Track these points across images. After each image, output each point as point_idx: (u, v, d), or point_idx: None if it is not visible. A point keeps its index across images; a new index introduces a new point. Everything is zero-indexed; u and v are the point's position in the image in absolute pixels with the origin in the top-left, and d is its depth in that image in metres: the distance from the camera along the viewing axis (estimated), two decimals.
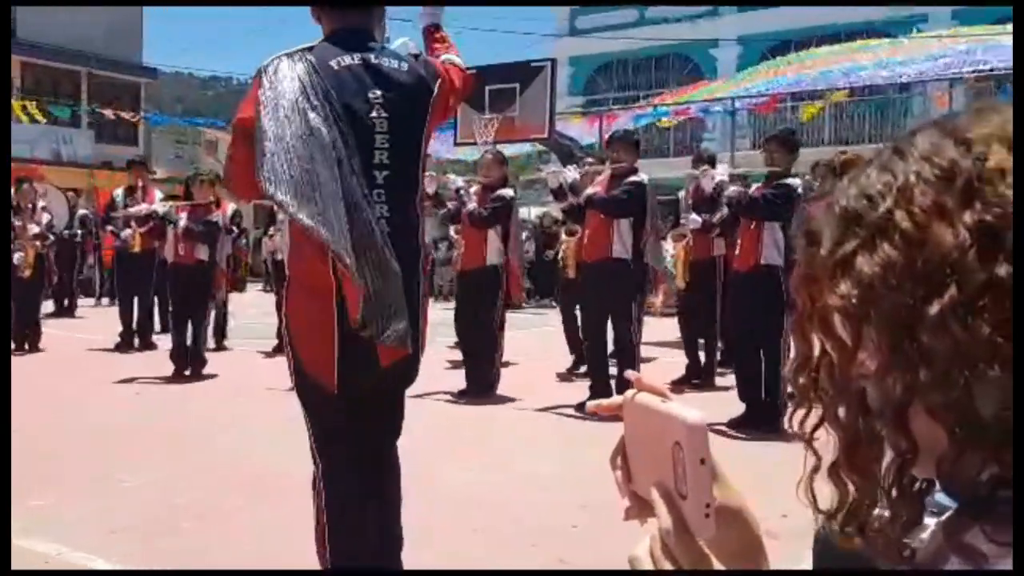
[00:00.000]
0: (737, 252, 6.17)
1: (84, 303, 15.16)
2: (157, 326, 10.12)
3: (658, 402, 0.72)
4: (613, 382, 6.19)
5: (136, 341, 9.67)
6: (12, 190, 9.45)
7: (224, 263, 8.85)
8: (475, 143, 9.24)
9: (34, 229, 9.53)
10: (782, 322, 5.63)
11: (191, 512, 3.98)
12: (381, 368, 2.48)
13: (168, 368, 7.91)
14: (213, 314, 9.05)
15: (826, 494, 0.73)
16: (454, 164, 15.23)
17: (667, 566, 0.69)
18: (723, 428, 5.51)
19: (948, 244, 0.61)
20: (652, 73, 22.92)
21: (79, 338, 10.54)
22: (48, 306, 12.05)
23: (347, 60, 2.58)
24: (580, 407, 5.88)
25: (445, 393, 6.79)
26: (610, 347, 6.56)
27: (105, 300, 15.68)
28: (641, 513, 0.75)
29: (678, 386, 7.14)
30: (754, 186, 6.29)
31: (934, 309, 0.61)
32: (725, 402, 6.03)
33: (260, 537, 3.63)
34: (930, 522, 0.70)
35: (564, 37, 23.65)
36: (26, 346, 9.39)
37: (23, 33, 22.37)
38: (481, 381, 6.96)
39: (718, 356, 7.78)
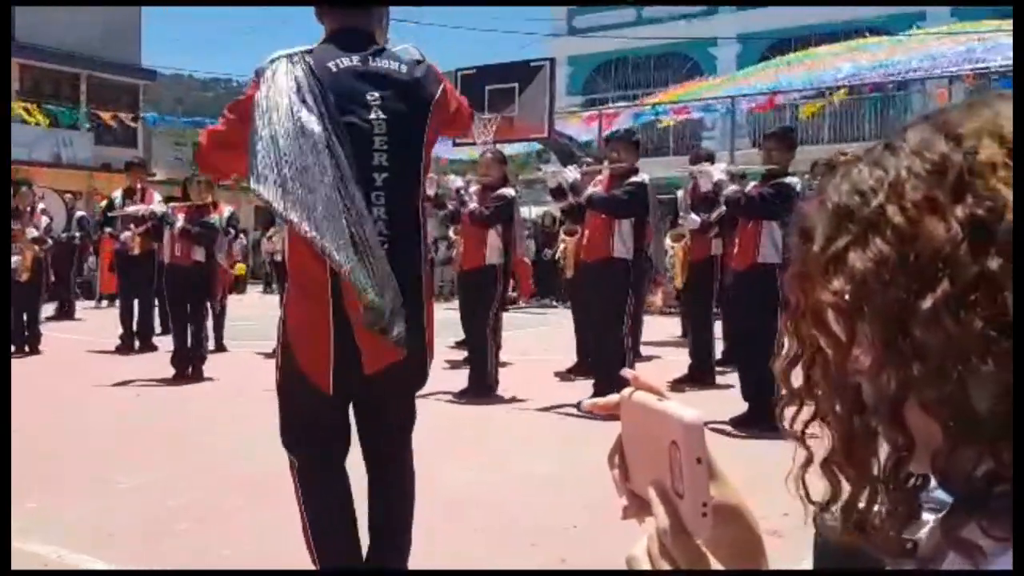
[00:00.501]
0: (735, 251, 6.16)
1: (84, 305, 15.16)
2: (158, 328, 10.11)
3: (655, 401, 0.72)
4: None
5: (136, 343, 9.67)
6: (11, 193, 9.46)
7: (226, 264, 8.85)
8: (474, 143, 9.25)
9: (32, 232, 9.51)
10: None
11: (190, 513, 3.98)
12: (366, 375, 2.47)
13: (168, 370, 7.91)
14: (212, 315, 9.05)
15: (819, 487, 0.73)
16: (454, 164, 15.24)
17: (664, 566, 0.69)
18: (725, 427, 5.51)
19: (940, 238, 0.61)
20: (651, 72, 22.91)
21: (79, 340, 10.54)
22: (48, 309, 12.04)
23: (345, 61, 2.55)
24: (579, 406, 5.89)
25: (445, 393, 6.79)
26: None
27: (104, 302, 15.69)
28: (639, 512, 0.75)
29: (678, 384, 7.15)
30: (751, 184, 6.29)
31: (927, 303, 0.61)
32: (726, 400, 6.02)
33: (260, 537, 3.62)
34: (929, 518, 0.70)
35: (562, 36, 23.65)
36: (26, 348, 9.38)
37: (21, 35, 22.32)
38: (481, 381, 6.97)
39: (718, 355, 7.79)
